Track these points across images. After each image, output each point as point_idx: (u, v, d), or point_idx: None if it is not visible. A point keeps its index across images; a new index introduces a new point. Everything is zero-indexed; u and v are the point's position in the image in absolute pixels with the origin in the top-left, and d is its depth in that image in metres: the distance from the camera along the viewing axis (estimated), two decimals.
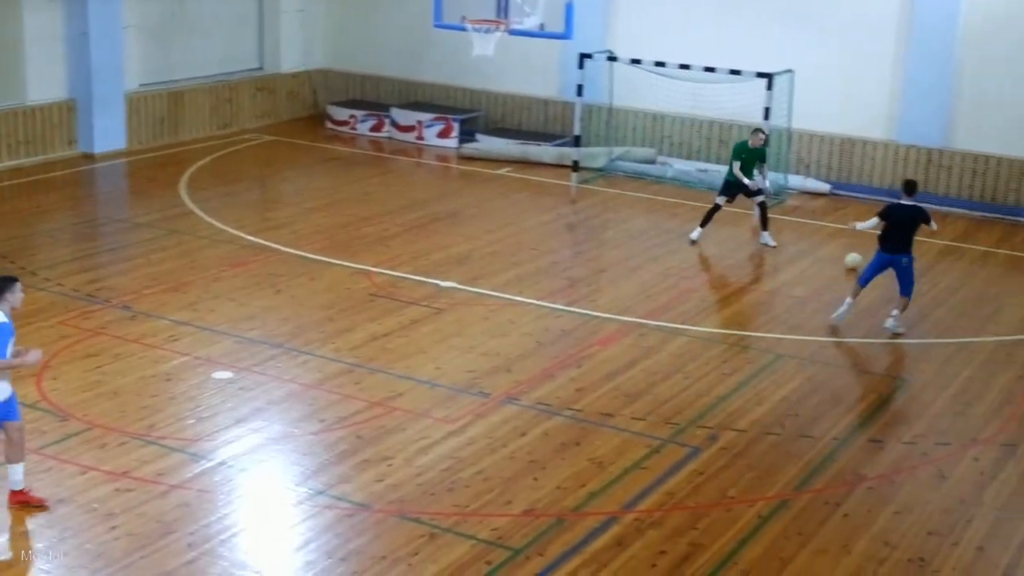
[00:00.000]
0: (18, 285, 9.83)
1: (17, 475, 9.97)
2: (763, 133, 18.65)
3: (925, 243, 18.83)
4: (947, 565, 9.81)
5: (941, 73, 21.01)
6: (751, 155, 18.36)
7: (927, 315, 15.70)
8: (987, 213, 20.70)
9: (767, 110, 20.15)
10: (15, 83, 21.58)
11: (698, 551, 9.83)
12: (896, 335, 14.80)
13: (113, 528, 9.77)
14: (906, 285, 14.76)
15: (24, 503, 9.97)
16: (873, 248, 15.06)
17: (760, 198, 18.45)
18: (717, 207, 18.48)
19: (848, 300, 14.99)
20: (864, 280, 15.01)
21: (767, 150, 18.77)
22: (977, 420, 12.60)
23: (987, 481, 11.25)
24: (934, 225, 14.99)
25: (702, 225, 18.47)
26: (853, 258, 16.98)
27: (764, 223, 18.52)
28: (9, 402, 9.81)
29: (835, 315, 15.04)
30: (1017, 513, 10.70)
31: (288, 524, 10.11)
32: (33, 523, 9.79)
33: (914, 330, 15.12)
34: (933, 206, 20.78)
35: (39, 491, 10.18)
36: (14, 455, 9.93)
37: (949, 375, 13.78)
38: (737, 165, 18.22)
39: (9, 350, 9.62)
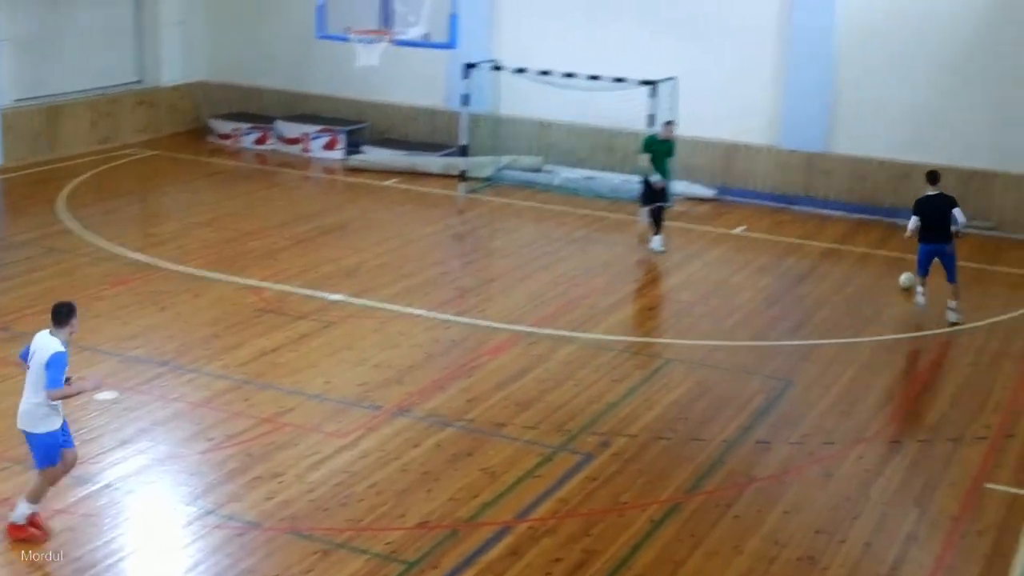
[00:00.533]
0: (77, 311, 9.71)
1: (22, 508, 9.77)
2: (674, 124, 18.86)
3: (807, 245, 19.24)
4: (835, 562, 9.99)
5: (821, 79, 21.45)
6: (661, 147, 18.59)
7: (810, 316, 16.00)
8: (866, 215, 21.16)
9: (651, 117, 20.35)
10: None
11: (592, 557, 9.87)
12: (955, 324, 15.56)
13: None
14: (952, 272, 15.63)
15: (25, 539, 9.72)
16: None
17: (663, 203, 18.56)
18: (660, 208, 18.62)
19: (919, 290, 15.84)
20: (924, 270, 15.75)
21: (675, 144, 19.02)
22: (861, 419, 12.85)
23: (872, 478, 11.48)
24: (961, 218, 15.54)
25: (656, 233, 18.56)
26: (907, 278, 16.75)
27: (658, 227, 18.65)
28: (66, 429, 9.74)
29: (918, 304, 15.81)
30: (901, 509, 10.94)
31: (177, 546, 9.91)
32: None
33: (797, 332, 15.40)
34: (814, 209, 21.28)
35: None
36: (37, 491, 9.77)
37: (833, 375, 14.04)
38: (646, 157, 18.39)
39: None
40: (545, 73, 21.74)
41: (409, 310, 15.57)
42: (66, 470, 9.90)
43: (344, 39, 19.65)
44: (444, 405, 12.77)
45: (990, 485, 11.43)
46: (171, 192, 21.95)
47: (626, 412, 12.76)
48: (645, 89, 20.63)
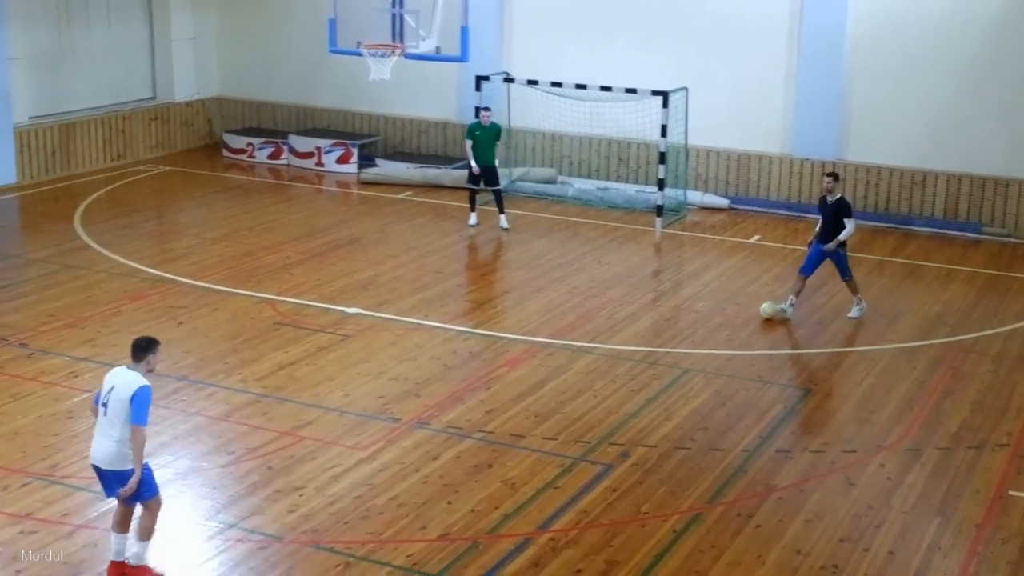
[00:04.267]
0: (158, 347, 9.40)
1: (137, 548, 9.50)
2: (490, 111, 20.38)
3: None
4: (859, 571, 9.95)
5: (832, 87, 21.45)
6: (486, 133, 19.99)
7: (828, 325, 15.97)
8: (881, 223, 21.14)
9: (664, 127, 20.37)
10: None
11: (615, 568, 9.85)
12: (857, 318, 16.09)
13: (19, 572, 9.51)
14: (842, 270, 16.08)
15: None
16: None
17: (478, 186, 20.16)
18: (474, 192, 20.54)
19: (791, 299, 16.05)
20: (808, 270, 16.04)
21: (500, 128, 20.46)
22: (881, 427, 12.82)
23: (894, 486, 11.45)
24: (848, 224, 15.76)
25: (472, 210, 20.44)
26: (769, 306, 16.06)
27: (472, 205, 20.53)
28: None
29: (785, 312, 16.00)
30: (924, 517, 10.90)
31: (200, 559, 9.92)
32: None
33: (816, 340, 15.38)
34: None
35: None
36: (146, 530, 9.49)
37: (852, 383, 14.02)
38: (469, 144, 19.98)
39: None
40: (557, 85, 21.77)
41: (425, 322, 15.59)
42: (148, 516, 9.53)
43: (356, 53, 19.66)
44: (463, 417, 12.77)
45: (1014, 492, 11.39)
46: (186, 207, 22.02)
47: (645, 422, 12.74)
48: (657, 100, 20.63)
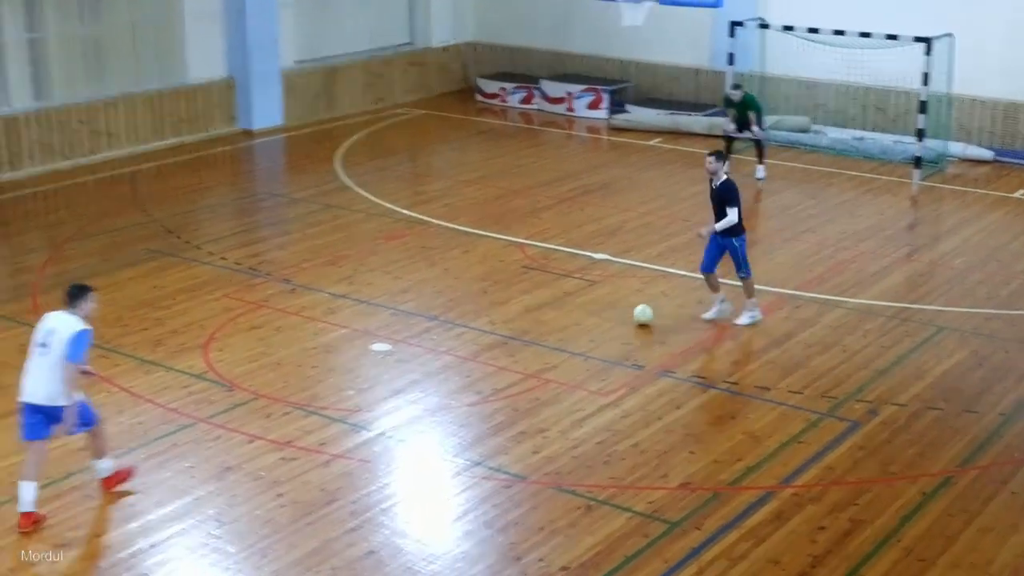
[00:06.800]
0: (93, 295, 9.84)
1: (103, 463, 10.12)
2: (739, 87, 19.92)
3: None
4: None
5: None
6: (739, 106, 19.60)
7: None
8: None
9: (925, 75, 19.57)
10: (177, 63, 22.20)
11: (859, 527, 9.69)
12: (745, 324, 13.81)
13: (279, 496, 10.06)
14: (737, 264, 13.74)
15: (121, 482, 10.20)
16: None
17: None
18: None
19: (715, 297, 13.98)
20: (710, 267, 13.77)
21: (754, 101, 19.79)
22: None
23: None
24: (730, 212, 13.36)
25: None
26: (642, 311, 13.88)
27: (760, 156, 19.90)
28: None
29: (722, 313, 13.93)
30: None
31: (447, 494, 10.27)
32: (204, 489, 10.14)
33: None
34: None
35: (210, 459, 10.56)
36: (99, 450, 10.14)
37: None
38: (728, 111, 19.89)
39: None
40: (814, 31, 21.20)
41: (672, 270, 15.56)
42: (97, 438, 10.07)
43: None
44: (707, 367, 12.74)
45: None
46: (440, 150, 22.56)
47: (895, 380, 12.41)
48: (919, 46, 19.83)
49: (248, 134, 22.81)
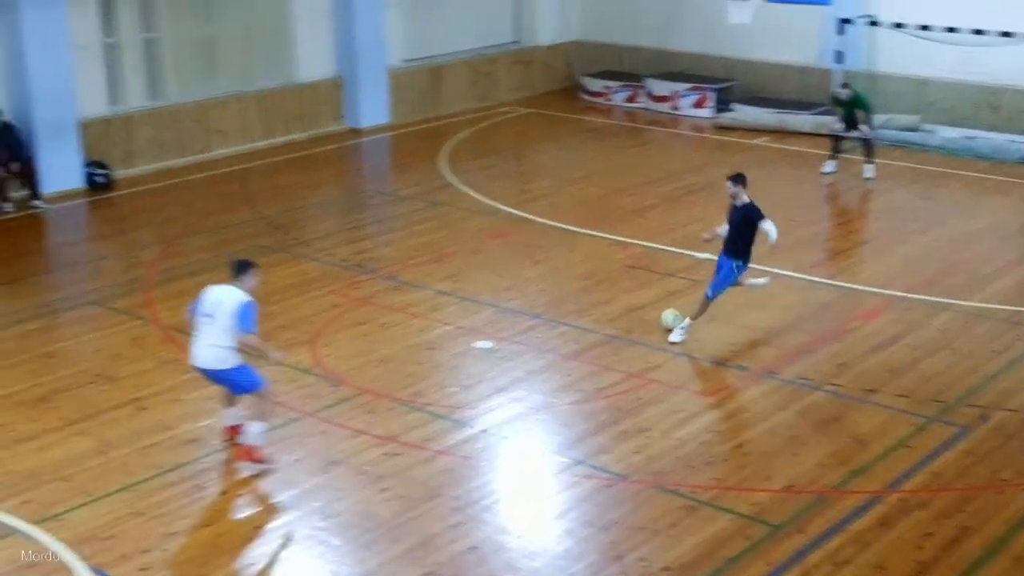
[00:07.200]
0: (256, 270, 10.58)
1: (253, 428, 10.60)
2: (847, 86, 19.68)
3: None
4: None
5: None
6: (847, 104, 19.36)
7: None
8: None
9: None
10: (287, 62, 22.57)
11: (967, 534, 9.51)
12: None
13: (383, 490, 10.18)
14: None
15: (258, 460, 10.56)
16: None
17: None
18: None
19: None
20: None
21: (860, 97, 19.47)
22: None
23: None
24: (767, 224, 12.87)
25: (832, 156, 19.92)
26: (671, 315, 13.61)
27: (868, 155, 19.57)
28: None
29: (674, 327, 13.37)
30: None
31: (549, 492, 10.31)
32: (310, 482, 10.31)
33: None
34: None
35: (316, 452, 10.75)
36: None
37: None
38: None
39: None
40: (925, 28, 20.84)
41: (778, 271, 15.39)
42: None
43: None
44: (813, 368, 12.60)
45: None
46: (544, 149, 22.61)
47: (1007, 385, 12.16)
48: None
49: (355, 132, 23.10)
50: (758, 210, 12.94)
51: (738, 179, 13.05)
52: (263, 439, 10.54)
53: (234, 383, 10.46)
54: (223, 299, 10.21)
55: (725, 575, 9.03)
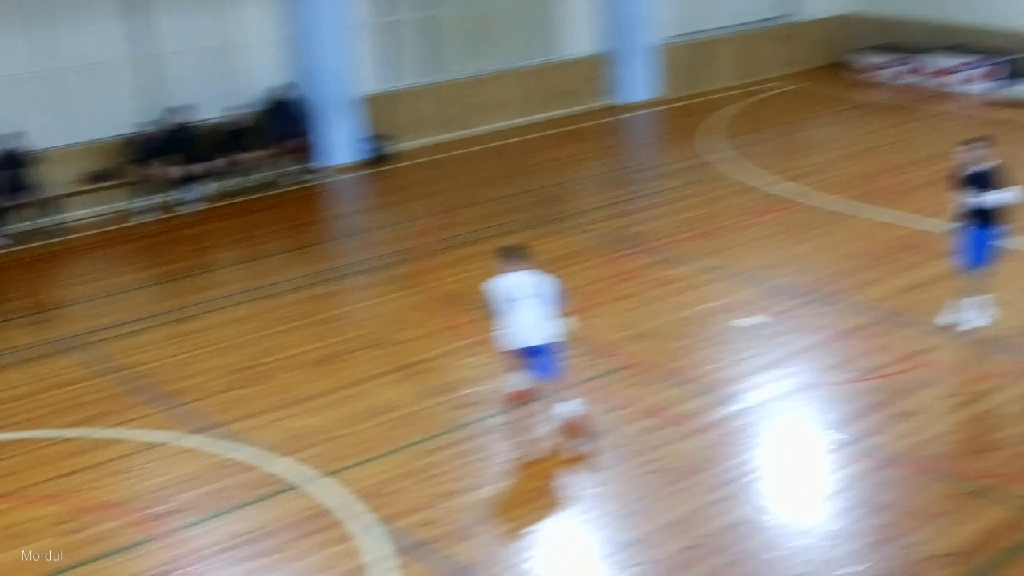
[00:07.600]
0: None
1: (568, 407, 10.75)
2: None
3: None
4: None
5: None
6: None
7: None
8: None
9: None
10: (554, 39, 22.88)
11: None
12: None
13: (647, 463, 10.26)
14: None
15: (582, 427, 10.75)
16: None
17: None
18: None
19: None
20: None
21: None
22: None
23: None
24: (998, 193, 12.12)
25: None
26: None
27: None
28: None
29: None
30: None
31: (816, 472, 10.16)
32: (577, 452, 10.50)
33: None
34: None
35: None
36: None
37: None
38: None
39: None
40: None
41: None
42: None
43: None
44: None
45: None
46: (812, 125, 22.18)
47: None
48: None
49: (620, 108, 23.21)
50: (1001, 173, 12.20)
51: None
52: (580, 411, 10.72)
53: (552, 359, 10.55)
54: (538, 280, 10.45)
55: (1006, 567, 8.72)
